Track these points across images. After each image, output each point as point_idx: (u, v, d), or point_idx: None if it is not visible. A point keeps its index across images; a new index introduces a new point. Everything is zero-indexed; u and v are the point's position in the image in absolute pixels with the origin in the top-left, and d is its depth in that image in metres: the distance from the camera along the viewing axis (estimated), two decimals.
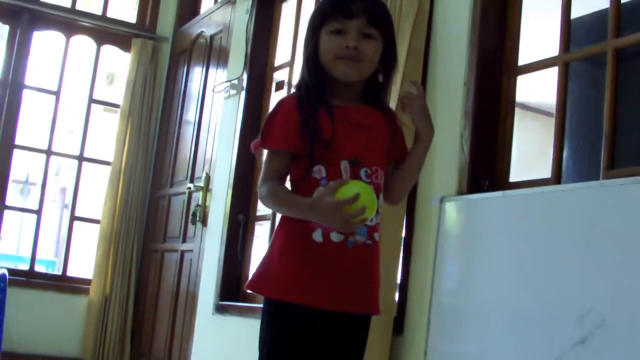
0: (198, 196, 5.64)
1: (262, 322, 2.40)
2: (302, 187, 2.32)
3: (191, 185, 5.76)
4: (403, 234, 3.45)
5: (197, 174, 5.84)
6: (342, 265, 2.31)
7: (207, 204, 5.53)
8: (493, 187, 3.27)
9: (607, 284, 2.58)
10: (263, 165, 2.41)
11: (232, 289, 5.03)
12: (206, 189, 5.56)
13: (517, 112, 3.44)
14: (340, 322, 2.36)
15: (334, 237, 2.30)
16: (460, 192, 3.28)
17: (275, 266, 2.35)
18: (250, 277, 2.45)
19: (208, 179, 5.56)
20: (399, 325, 3.42)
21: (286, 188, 2.38)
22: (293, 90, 2.51)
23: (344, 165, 2.32)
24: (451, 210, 3.28)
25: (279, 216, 2.49)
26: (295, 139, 2.34)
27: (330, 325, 2.36)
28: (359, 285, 2.35)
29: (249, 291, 2.51)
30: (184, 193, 5.88)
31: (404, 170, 2.50)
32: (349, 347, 2.41)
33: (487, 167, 3.33)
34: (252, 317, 4.47)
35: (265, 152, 2.43)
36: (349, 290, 2.33)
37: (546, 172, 3.18)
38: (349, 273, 2.32)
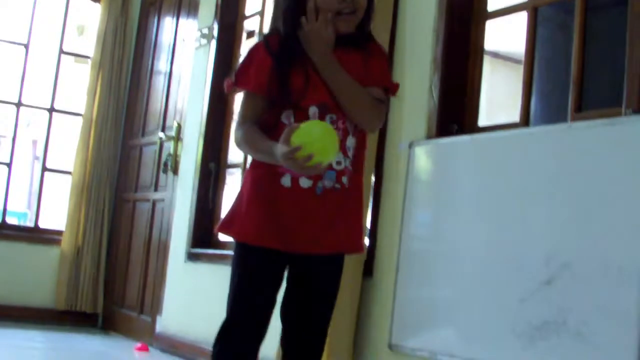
0: (169, 145, 5.63)
1: (231, 265, 2.42)
2: (274, 132, 2.29)
3: (162, 134, 5.75)
4: (372, 179, 3.47)
5: (168, 124, 5.82)
6: (310, 211, 2.31)
7: (178, 153, 5.53)
8: (462, 132, 3.29)
9: (573, 226, 2.61)
10: (239, 108, 2.41)
11: (203, 236, 5.05)
12: (177, 138, 5.55)
13: (489, 60, 3.45)
14: (309, 263, 2.38)
15: (303, 182, 2.30)
16: (429, 137, 3.30)
17: (243, 210, 2.36)
18: (221, 220, 2.46)
19: (179, 128, 5.55)
20: (368, 268, 3.45)
21: (259, 131, 2.34)
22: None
23: (313, 111, 2.31)
24: (420, 154, 3.29)
25: (250, 163, 2.49)
26: (267, 85, 2.33)
27: (299, 266, 2.39)
28: (330, 228, 2.34)
29: (219, 234, 2.50)
30: (155, 143, 5.88)
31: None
32: (320, 286, 2.43)
33: (456, 112, 3.34)
34: (223, 264, 4.49)
35: (240, 92, 2.43)
36: (319, 233, 2.33)
37: (516, 118, 3.19)
38: (318, 218, 2.32)
